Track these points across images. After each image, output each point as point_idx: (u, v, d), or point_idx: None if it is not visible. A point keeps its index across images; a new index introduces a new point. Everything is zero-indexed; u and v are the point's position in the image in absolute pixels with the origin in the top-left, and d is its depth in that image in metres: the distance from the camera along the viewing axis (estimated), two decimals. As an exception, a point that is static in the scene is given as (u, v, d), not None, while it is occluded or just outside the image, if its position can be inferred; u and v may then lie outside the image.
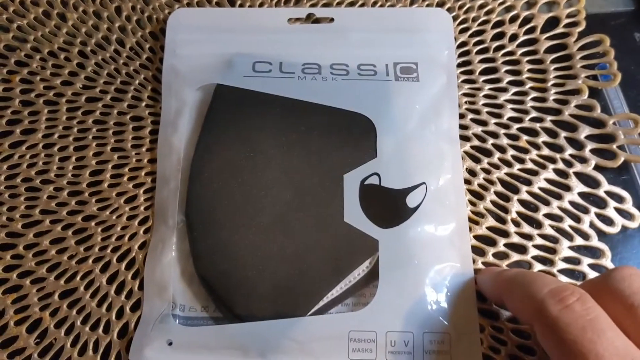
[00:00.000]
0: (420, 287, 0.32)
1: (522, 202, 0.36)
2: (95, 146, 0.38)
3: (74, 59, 0.40)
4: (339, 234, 0.33)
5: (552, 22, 0.41)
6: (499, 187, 0.37)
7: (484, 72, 0.40)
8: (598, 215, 0.36)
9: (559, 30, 0.40)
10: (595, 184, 0.36)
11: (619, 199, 0.36)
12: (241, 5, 0.42)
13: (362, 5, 0.42)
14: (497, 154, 0.37)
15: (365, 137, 0.35)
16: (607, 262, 0.35)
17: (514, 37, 0.40)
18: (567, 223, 0.35)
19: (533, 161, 0.37)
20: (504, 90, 0.39)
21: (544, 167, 0.37)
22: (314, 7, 0.41)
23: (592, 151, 0.37)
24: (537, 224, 0.36)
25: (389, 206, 0.34)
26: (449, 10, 0.41)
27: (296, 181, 0.34)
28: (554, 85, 0.39)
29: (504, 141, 0.38)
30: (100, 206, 0.36)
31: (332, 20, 0.40)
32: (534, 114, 0.38)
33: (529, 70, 0.39)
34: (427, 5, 0.42)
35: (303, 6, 0.42)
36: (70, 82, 0.39)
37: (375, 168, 0.34)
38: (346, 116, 0.36)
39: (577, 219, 0.35)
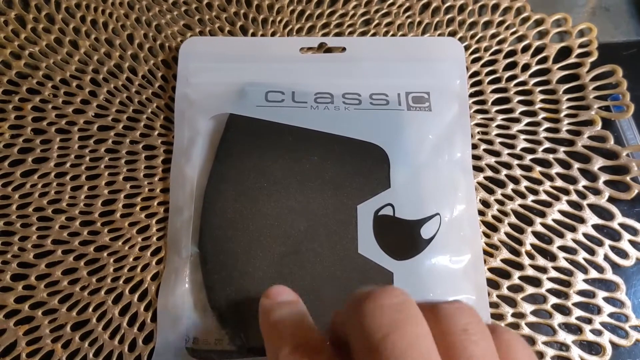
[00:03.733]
0: (435, 321, 0.32)
1: (536, 234, 0.36)
2: (108, 175, 0.38)
3: (86, 86, 0.40)
4: (354, 265, 0.33)
5: (564, 52, 0.41)
6: (513, 219, 0.36)
7: (496, 102, 0.40)
8: (612, 248, 0.35)
9: (571, 60, 0.41)
10: (609, 216, 0.36)
11: (633, 231, 0.36)
12: (253, 34, 0.42)
13: (374, 34, 0.42)
14: (511, 185, 0.37)
15: (379, 168, 0.35)
16: (621, 295, 0.34)
17: (526, 67, 0.41)
18: (581, 256, 0.35)
19: (547, 193, 0.37)
20: (516, 120, 0.39)
21: (557, 198, 0.37)
22: (326, 37, 0.41)
23: (606, 183, 0.37)
24: (552, 257, 0.35)
25: (404, 237, 0.34)
26: (461, 39, 0.41)
27: (310, 212, 0.34)
28: (567, 115, 0.39)
29: (518, 172, 0.38)
30: (113, 236, 0.36)
31: (344, 49, 0.40)
32: (547, 144, 0.38)
33: (542, 101, 0.39)
34: (439, 35, 0.42)
35: (315, 35, 0.42)
36: (83, 110, 0.39)
37: (389, 199, 0.34)
38: (359, 146, 0.36)
39: (592, 252, 0.35)
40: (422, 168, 0.36)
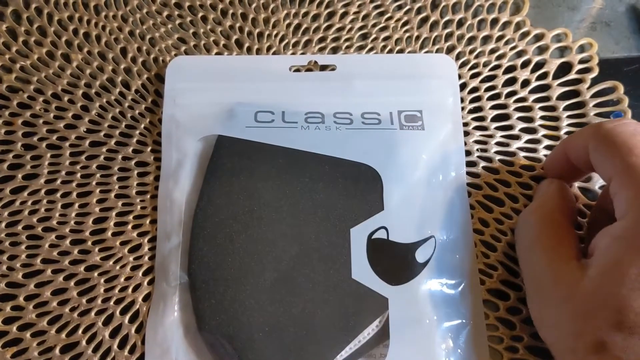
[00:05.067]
0: (432, 346, 0.32)
1: (535, 256, 0.35)
2: (99, 192, 0.37)
3: (78, 101, 0.39)
4: (347, 291, 0.32)
5: (565, 68, 0.40)
6: (511, 238, 0.36)
7: (495, 118, 0.39)
8: (613, 270, 0.35)
9: (572, 76, 0.40)
10: (609, 237, 0.35)
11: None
12: (249, 48, 0.41)
13: (372, 49, 0.41)
14: (510, 204, 0.37)
15: (372, 189, 0.34)
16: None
17: (525, 83, 0.40)
18: (581, 278, 0.35)
19: (546, 212, 0.36)
20: (516, 137, 0.38)
21: (557, 218, 0.36)
22: (322, 52, 0.41)
23: (607, 203, 0.36)
24: (551, 279, 0.35)
25: (398, 262, 0.33)
26: (459, 54, 0.41)
27: (302, 236, 0.33)
28: (568, 133, 0.38)
29: (517, 190, 0.37)
30: (104, 255, 0.36)
31: (335, 67, 0.39)
32: (546, 162, 0.37)
33: (542, 118, 0.39)
34: (437, 50, 0.41)
35: (312, 49, 0.41)
36: (74, 125, 0.39)
37: (383, 221, 0.34)
38: (351, 167, 0.35)
39: (592, 274, 0.35)
40: (416, 189, 0.35)
